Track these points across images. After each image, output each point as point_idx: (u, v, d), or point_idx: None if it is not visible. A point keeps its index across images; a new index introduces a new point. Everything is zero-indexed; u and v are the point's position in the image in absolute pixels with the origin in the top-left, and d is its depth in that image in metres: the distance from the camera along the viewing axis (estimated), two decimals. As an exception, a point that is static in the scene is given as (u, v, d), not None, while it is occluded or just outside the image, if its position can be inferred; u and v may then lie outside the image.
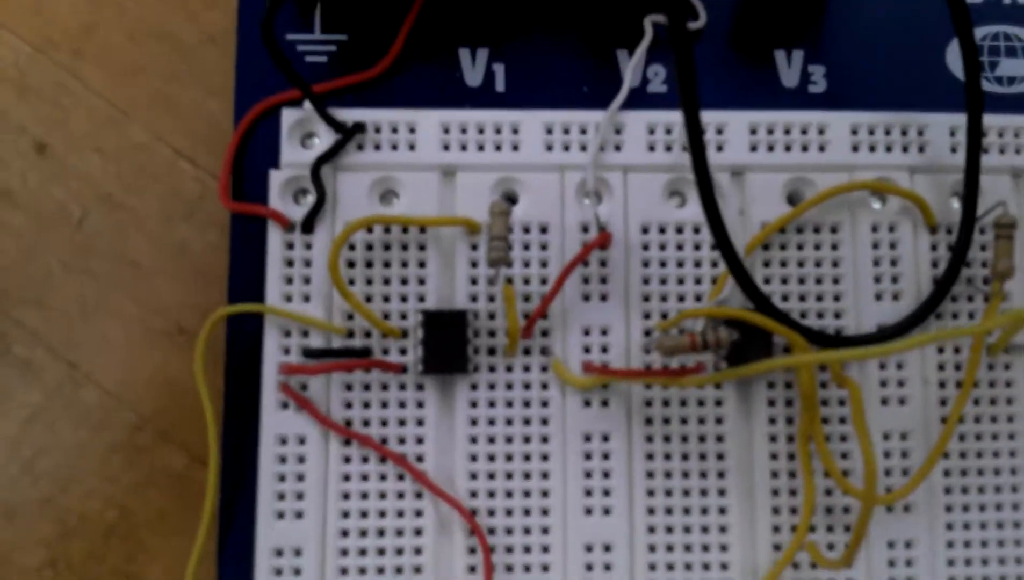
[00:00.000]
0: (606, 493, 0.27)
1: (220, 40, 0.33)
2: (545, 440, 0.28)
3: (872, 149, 0.29)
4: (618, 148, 0.29)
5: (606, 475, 0.27)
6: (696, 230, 0.28)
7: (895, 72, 0.31)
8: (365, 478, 0.27)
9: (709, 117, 0.29)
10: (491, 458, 0.27)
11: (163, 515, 0.30)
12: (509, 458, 0.27)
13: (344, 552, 0.27)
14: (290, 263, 0.28)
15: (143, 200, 0.32)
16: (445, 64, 0.30)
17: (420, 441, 0.27)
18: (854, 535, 0.24)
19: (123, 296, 0.31)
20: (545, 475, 0.27)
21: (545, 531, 0.27)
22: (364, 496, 0.27)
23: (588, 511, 0.27)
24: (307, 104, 0.29)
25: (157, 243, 0.32)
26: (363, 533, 0.27)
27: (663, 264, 0.28)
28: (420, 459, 0.27)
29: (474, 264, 0.28)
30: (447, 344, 0.27)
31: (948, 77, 0.31)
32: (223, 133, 0.31)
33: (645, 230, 0.28)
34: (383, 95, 0.30)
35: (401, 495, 0.27)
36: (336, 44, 0.31)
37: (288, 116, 0.29)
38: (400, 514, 0.27)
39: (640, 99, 0.30)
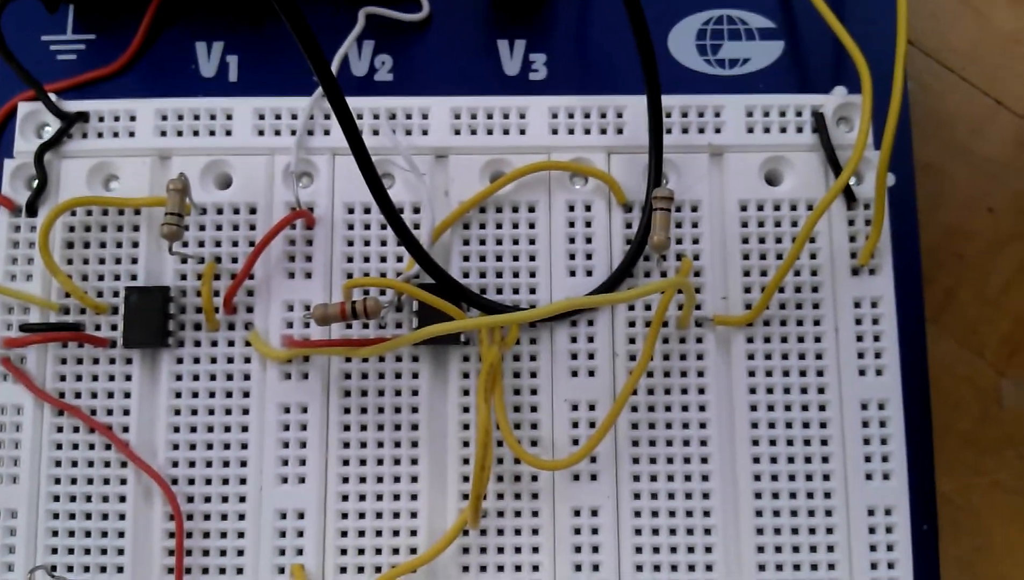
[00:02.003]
0: (302, 462, 0.29)
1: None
2: (245, 412, 0.29)
3: (571, 131, 0.30)
4: (327, 132, 0.30)
5: (303, 445, 0.29)
6: (400, 210, 0.30)
7: (617, 59, 0.32)
8: (75, 446, 0.29)
9: (413, 102, 0.30)
10: (193, 429, 0.29)
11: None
12: (210, 429, 0.29)
13: (55, 515, 0.28)
14: (15, 244, 0.30)
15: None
16: (183, 57, 0.32)
17: (126, 412, 0.29)
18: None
19: None
20: (244, 445, 0.29)
21: (242, 499, 0.28)
22: (74, 464, 0.29)
23: (283, 479, 0.28)
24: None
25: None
26: (72, 498, 0.29)
27: (367, 242, 0.30)
28: (126, 430, 0.29)
29: (185, 243, 0.29)
30: (149, 318, 0.29)
31: (671, 61, 0.32)
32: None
33: (350, 210, 0.30)
34: (125, 88, 0.32)
35: (107, 464, 0.29)
36: (85, 43, 0.32)
37: (22, 108, 0.30)
38: (106, 481, 0.29)
39: (368, 87, 0.32)
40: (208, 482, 0.29)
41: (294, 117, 0.30)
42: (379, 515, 0.28)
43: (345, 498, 0.28)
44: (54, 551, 0.28)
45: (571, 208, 0.30)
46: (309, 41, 0.23)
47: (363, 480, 0.28)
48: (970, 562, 0.31)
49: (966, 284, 0.33)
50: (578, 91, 0.31)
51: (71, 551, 0.28)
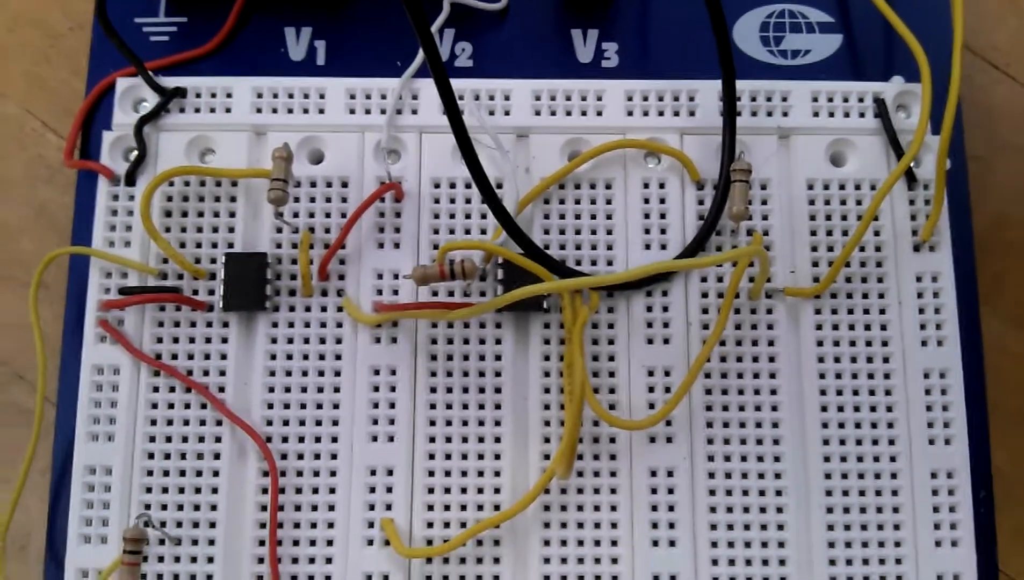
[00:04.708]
0: (391, 422, 0.30)
1: (87, 26, 0.36)
2: (337, 373, 0.30)
3: (645, 113, 0.32)
4: (415, 112, 0.32)
5: (391, 405, 0.30)
6: (484, 185, 0.31)
7: (686, 48, 0.33)
8: (171, 406, 0.30)
9: (496, 84, 0.32)
10: (287, 389, 0.30)
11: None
12: (303, 390, 0.30)
13: (149, 472, 0.30)
14: (114, 212, 0.31)
15: (10, 166, 0.35)
16: (272, 42, 0.34)
17: (222, 373, 0.30)
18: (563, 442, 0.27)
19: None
20: (336, 405, 0.30)
21: (333, 457, 0.30)
22: (169, 422, 0.30)
23: (373, 438, 0.30)
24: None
25: (23, 204, 0.35)
26: (167, 456, 0.30)
27: (452, 216, 0.31)
28: (221, 390, 0.30)
29: (281, 213, 0.31)
30: (247, 283, 0.30)
31: (736, 51, 0.33)
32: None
33: (436, 185, 0.31)
34: (217, 70, 0.33)
35: (202, 422, 0.30)
36: (177, 25, 0.34)
37: (121, 83, 0.32)
38: (201, 439, 0.30)
39: (448, 72, 0.33)
40: (301, 440, 0.30)
41: (383, 97, 0.32)
42: (464, 473, 0.30)
43: (432, 456, 0.30)
44: (147, 507, 0.29)
45: (646, 185, 0.31)
46: (422, 25, 0.25)
47: (449, 440, 0.30)
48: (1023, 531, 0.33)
49: (1014, 269, 0.35)
50: (648, 78, 0.32)
51: (164, 507, 0.29)
